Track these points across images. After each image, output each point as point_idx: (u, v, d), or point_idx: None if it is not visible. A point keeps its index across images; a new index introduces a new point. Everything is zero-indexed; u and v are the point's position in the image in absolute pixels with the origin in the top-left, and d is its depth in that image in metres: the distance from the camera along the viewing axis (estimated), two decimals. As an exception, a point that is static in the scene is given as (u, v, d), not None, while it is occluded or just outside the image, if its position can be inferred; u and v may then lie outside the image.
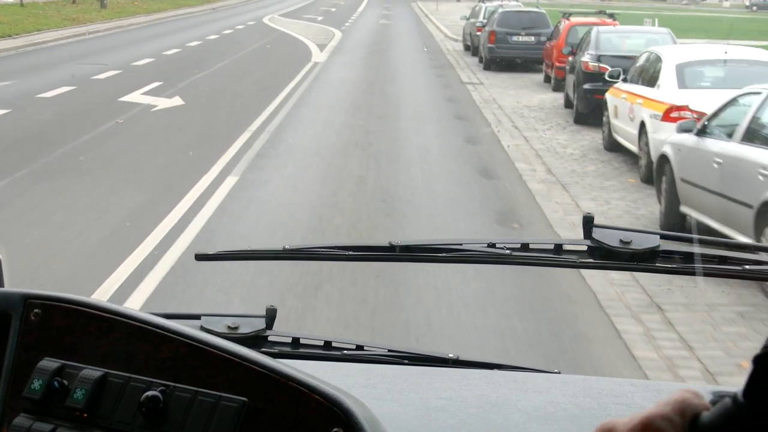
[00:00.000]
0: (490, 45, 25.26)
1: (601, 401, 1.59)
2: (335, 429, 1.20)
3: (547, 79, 22.73)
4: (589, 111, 16.26)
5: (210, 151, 12.55)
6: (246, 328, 1.75)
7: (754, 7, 79.35)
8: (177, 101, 17.11)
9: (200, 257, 1.92)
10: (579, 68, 16.41)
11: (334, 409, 1.21)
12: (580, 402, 1.59)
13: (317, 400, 1.22)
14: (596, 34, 16.86)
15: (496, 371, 1.77)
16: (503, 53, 25.23)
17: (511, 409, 1.55)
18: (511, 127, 16.07)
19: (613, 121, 13.63)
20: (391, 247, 1.77)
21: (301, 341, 1.82)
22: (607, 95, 14.04)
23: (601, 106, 15.81)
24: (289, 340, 1.81)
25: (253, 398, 1.26)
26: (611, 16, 22.11)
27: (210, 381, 1.28)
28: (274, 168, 11.96)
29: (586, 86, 16.10)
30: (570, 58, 18.15)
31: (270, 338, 1.77)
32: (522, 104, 19.00)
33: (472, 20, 30.66)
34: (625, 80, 13.58)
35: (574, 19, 22.04)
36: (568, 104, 18.25)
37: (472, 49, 30.07)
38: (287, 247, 1.83)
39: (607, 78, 14.37)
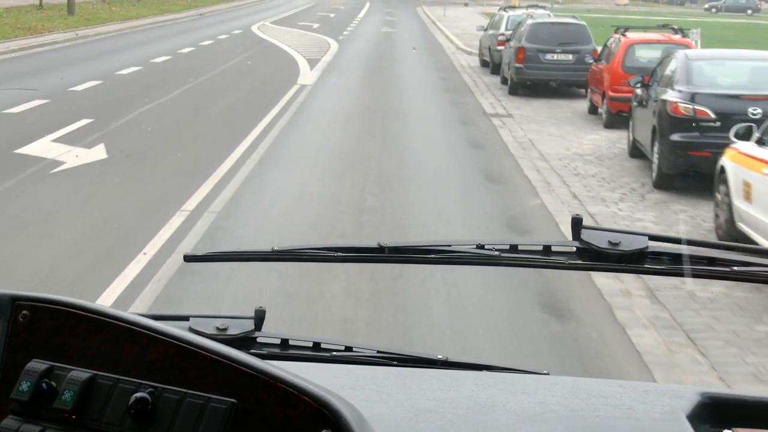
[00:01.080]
0: (517, 65, 20.41)
1: (590, 402, 1.58)
2: (324, 430, 1.21)
3: (593, 110, 17.92)
4: (680, 172, 11.45)
5: (105, 264, 7.74)
6: (235, 329, 1.73)
7: (713, 9, 76.43)
8: (97, 154, 12.25)
9: (189, 258, 1.92)
10: (663, 111, 11.53)
11: (322, 411, 1.22)
12: (569, 403, 1.58)
13: (306, 401, 1.24)
14: (685, 61, 11.96)
15: (485, 372, 1.76)
16: (534, 75, 20.39)
17: (500, 411, 1.55)
18: (567, 195, 11.22)
19: (739, 204, 8.77)
20: (381, 249, 1.78)
21: (290, 342, 1.81)
22: (728, 162, 9.15)
23: (696, 165, 11.13)
24: (278, 341, 1.80)
25: (241, 399, 1.27)
26: (679, 31, 17.22)
27: (199, 382, 1.30)
28: (203, 300, 7.07)
29: (675, 137, 11.25)
30: (639, 91, 13.29)
31: (259, 339, 1.76)
32: (571, 151, 14.16)
33: (492, 32, 25.81)
34: (762, 142, 8.74)
35: (632, 35, 17.15)
36: (635, 152, 13.42)
37: (491, 65, 25.24)
38: (276, 248, 1.83)
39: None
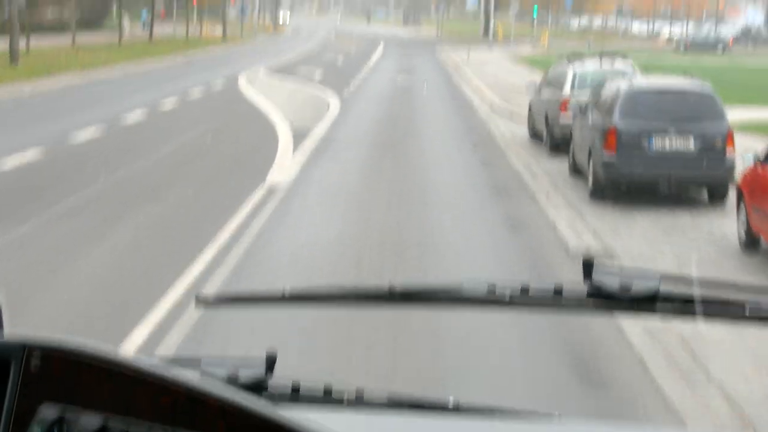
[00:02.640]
0: (607, 155, 13.02)
1: None
2: None
3: (753, 242, 10.55)
4: None
5: None
6: (246, 372, 1.71)
7: (681, 47, 71.97)
8: None
9: (200, 300, 1.92)
10: None
11: None
12: None
13: None
14: None
15: (497, 418, 1.76)
16: (636, 172, 13.00)
17: None
18: None
19: None
20: (391, 292, 1.78)
21: (302, 387, 1.77)
22: None
23: None
24: (289, 385, 1.76)
25: None
26: None
27: (210, 428, 1.31)
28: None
29: None
30: None
31: (270, 383, 1.73)
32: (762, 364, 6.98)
33: (549, 93, 18.47)
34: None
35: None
36: None
37: (549, 141, 17.90)
38: (288, 290, 1.85)
39: None
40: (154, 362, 1.40)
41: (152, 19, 57.55)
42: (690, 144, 12.95)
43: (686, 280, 1.69)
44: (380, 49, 63.09)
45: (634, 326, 7.41)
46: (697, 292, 1.65)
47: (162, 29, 72.99)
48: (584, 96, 16.64)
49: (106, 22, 74.12)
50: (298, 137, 18.52)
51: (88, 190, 12.73)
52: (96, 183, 13.16)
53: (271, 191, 13.12)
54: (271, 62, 43.06)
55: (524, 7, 79.32)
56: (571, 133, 15.62)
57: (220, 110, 23.00)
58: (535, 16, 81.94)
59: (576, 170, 15.06)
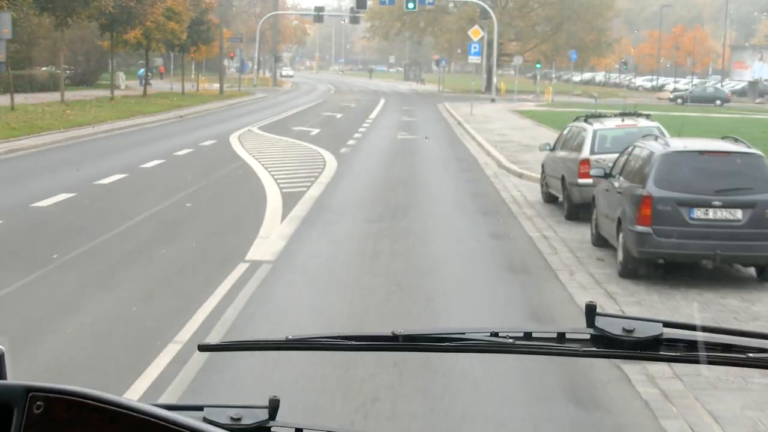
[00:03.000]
0: (641, 227, 11.20)
1: None
2: None
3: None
4: None
5: None
6: (248, 419, 1.68)
7: (679, 100, 71.47)
8: None
9: (203, 348, 1.90)
10: None
11: None
12: None
13: None
14: None
15: None
16: (675, 247, 11.15)
17: None
18: None
19: None
20: (394, 337, 1.77)
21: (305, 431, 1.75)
22: None
23: None
24: (293, 431, 1.72)
25: None
26: None
27: None
28: None
29: None
30: None
31: (273, 429, 1.70)
32: None
33: (567, 154, 16.71)
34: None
35: None
36: None
37: (567, 206, 16.10)
38: (290, 337, 1.84)
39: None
40: (157, 408, 1.41)
41: (146, 73, 56.10)
42: (737, 215, 11.13)
43: (689, 326, 1.68)
44: (381, 103, 61.67)
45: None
46: (700, 337, 1.63)
47: (161, 85, 71.91)
48: (606, 157, 14.93)
49: (103, 77, 72.93)
50: (289, 201, 16.76)
51: (32, 276, 10.88)
52: (43, 266, 11.31)
53: (251, 268, 11.29)
54: (265, 121, 41.48)
55: (526, 61, 78.10)
56: (593, 199, 13.85)
57: (206, 171, 21.25)
58: (539, 66, 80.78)
59: (600, 241, 13.24)
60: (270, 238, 13.49)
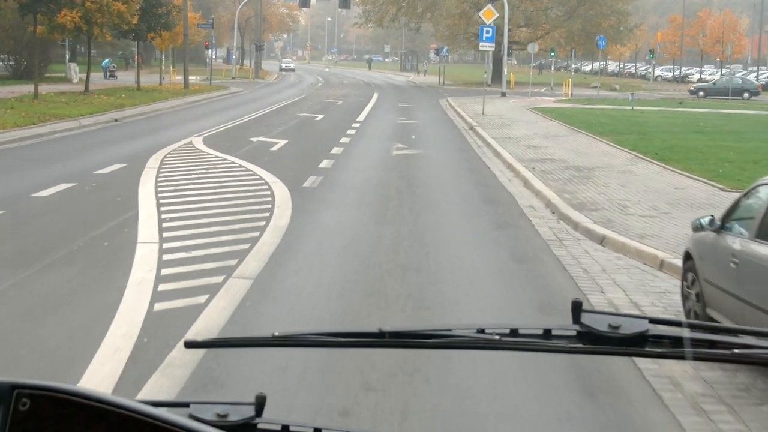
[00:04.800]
0: None
1: None
2: None
3: None
4: None
5: None
6: (235, 415, 1.67)
7: (701, 93, 63.43)
8: None
9: (189, 344, 1.87)
10: None
11: None
12: None
13: None
14: None
15: None
16: None
17: None
18: None
19: None
20: (381, 334, 1.75)
21: (291, 429, 1.72)
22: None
23: None
24: (279, 428, 1.70)
25: None
26: None
27: None
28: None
29: None
30: None
31: (259, 426, 1.68)
32: None
33: (744, 241, 7.39)
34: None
35: None
36: None
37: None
38: (276, 334, 1.80)
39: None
40: (143, 404, 1.41)
41: (89, 66, 46.72)
42: None
43: (674, 323, 1.69)
44: (374, 99, 52.26)
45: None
46: (685, 333, 1.63)
47: (128, 78, 62.57)
48: None
49: (53, 69, 63.48)
50: (158, 350, 7.47)
51: None
52: None
53: None
54: (224, 123, 32.10)
55: (540, 50, 68.67)
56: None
57: (50, 246, 11.77)
58: (553, 55, 71.46)
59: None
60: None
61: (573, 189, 17.56)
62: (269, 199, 15.71)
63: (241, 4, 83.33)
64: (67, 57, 66.15)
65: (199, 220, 13.52)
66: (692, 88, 66.11)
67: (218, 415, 1.63)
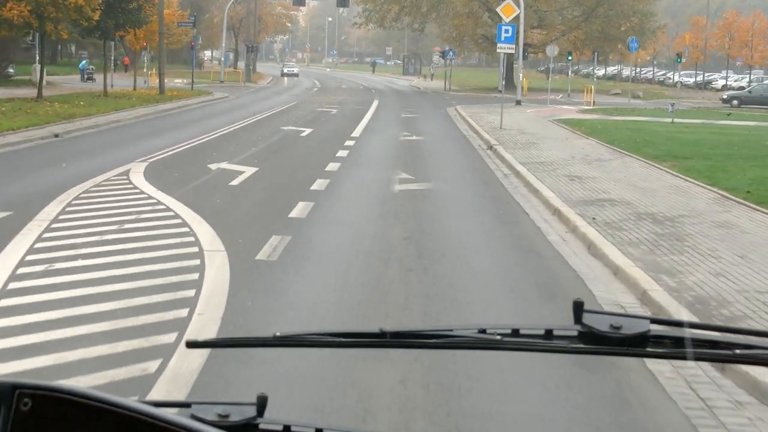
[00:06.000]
0: None
1: None
2: None
3: None
4: None
5: None
6: (236, 416, 1.65)
7: (735, 101, 57.02)
8: None
9: (191, 344, 1.85)
10: None
11: None
12: None
13: None
14: None
15: None
16: None
17: None
18: None
19: None
20: (382, 334, 1.75)
21: (293, 429, 1.69)
22: None
23: None
24: (280, 428, 1.69)
25: None
26: None
27: None
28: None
29: None
30: None
31: (261, 426, 1.67)
32: None
33: None
34: None
35: None
36: None
37: None
38: (278, 334, 1.79)
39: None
40: (144, 404, 1.40)
41: (42, 69, 40.62)
42: None
43: (676, 323, 1.67)
44: (373, 107, 46.18)
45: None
46: (687, 333, 1.61)
47: (111, 80, 56.59)
48: None
49: (18, 71, 57.46)
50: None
51: None
52: None
53: None
54: (187, 141, 25.98)
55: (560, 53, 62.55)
56: None
57: None
58: (570, 58, 65.48)
59: None
60: None
61: (669, 264, 11.38)
62: (191, 293, 9.51)
63: (231, 1, 77.22)
64: (37, 58, 60.22)
65: (51, 345, 7.34)
66: (725, 96, 59.98)
67: (219, 416, 1.61)
